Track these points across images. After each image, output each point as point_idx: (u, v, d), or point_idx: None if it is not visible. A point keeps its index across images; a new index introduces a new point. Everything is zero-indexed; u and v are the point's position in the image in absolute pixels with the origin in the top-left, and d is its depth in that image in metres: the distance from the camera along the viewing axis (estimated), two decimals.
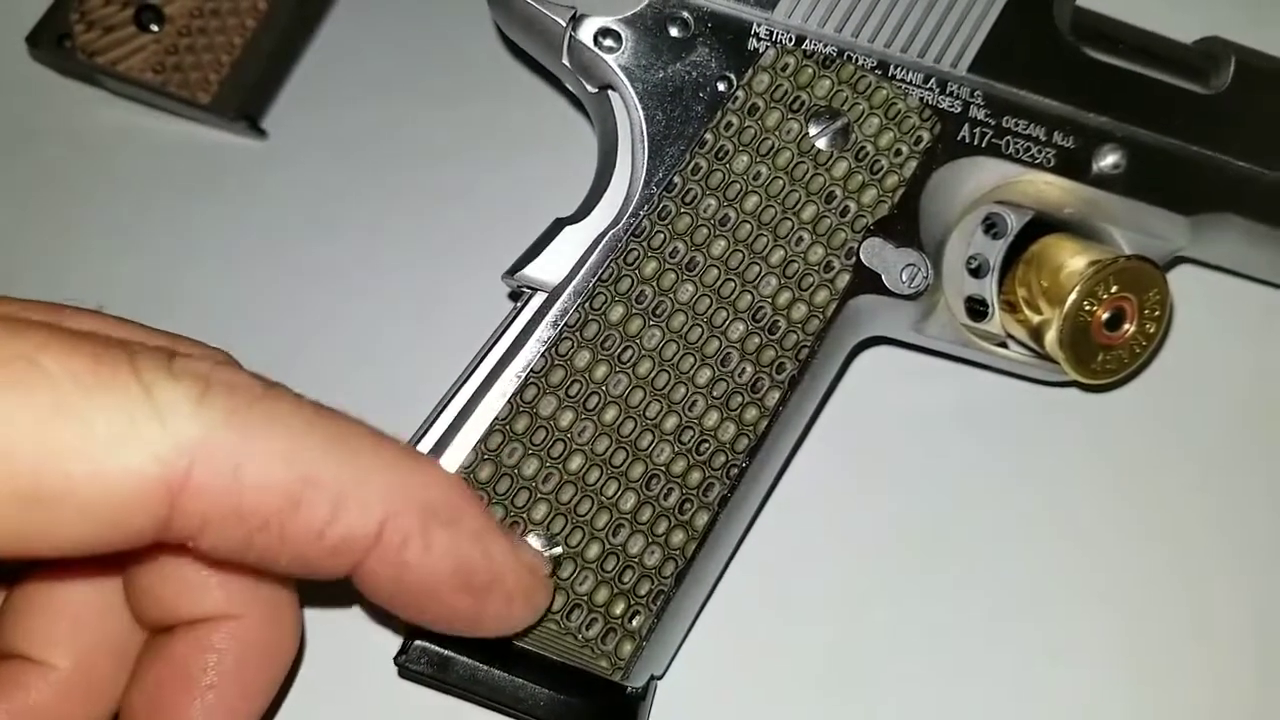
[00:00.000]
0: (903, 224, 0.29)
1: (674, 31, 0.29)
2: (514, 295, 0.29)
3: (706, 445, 0.27)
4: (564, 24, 0.28)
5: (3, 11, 0.42)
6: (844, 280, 0.28)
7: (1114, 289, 0.28)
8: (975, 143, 0.29)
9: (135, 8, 0.40)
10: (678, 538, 0.27)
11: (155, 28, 0.40)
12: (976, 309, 0.31)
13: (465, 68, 0.41)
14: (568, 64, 0.29)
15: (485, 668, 0.26)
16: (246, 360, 0.23)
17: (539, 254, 0.28)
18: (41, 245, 0.40)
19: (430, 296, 0.36)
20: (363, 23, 0.43)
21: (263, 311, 0.37)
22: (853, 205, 0.28)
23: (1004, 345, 0.31)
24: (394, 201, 0.39)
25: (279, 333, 0.36)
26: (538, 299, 0.28)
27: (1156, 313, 0.29)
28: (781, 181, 0.28)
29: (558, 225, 0.29)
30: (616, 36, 0.28)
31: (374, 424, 0.21)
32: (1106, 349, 0.29)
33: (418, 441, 0.27)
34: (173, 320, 0.25)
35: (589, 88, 0.29)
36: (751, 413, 0.27)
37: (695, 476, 0.27)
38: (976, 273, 0.31)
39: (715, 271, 0.28)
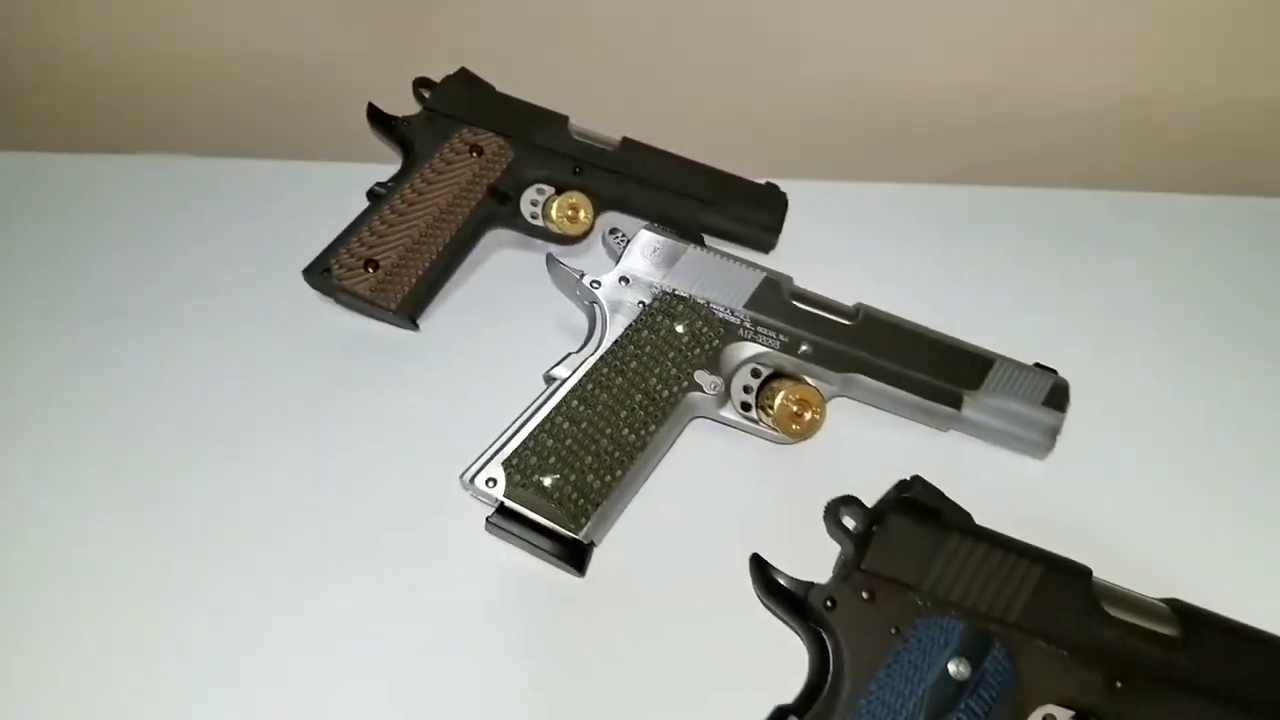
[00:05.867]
0: (712, 365, 0.69)
1: (621, 284, 0.70)
2: (547, 380, 0.68)
3: (624, 440, 0.65)
4: (577, 277, 0.70)
5: (282, 252, 0.84)
6: (685, 384, 0.67)
7: (796, 397, 0.68)
8: (744, 336, 0.70)
9: (364, 260, 0.82)
10: (604, 480, 0.64)
11: (373, 271, 0.82)
12: (747, 405, 0.70)
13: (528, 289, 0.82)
14: (578, 294, 0.70)
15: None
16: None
17: (561, 362, 0.68)
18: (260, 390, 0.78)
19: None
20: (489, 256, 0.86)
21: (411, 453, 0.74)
22: (690, 354, 0.68)
23: (756, 423, 0.70)
24: (491, 374, 0.78)
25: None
26: (559, 382, 0.67)
27: (818, 410, 0.68)
28: (664, 343, 0.68)
29: (566, 356, 0.68)
30: (597, 284, 0.70)
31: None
32: (799, 420, 0.68)
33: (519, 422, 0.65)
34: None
35: (585, 302, 0.70)
36: (642, 432, 0.65)
37: (617, 455, 0.65)
38: (747, 390, 0.70)
39: (633, 374, 0.67)
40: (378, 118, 0.88)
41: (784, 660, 0.56)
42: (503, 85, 0.89)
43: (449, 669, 0.60)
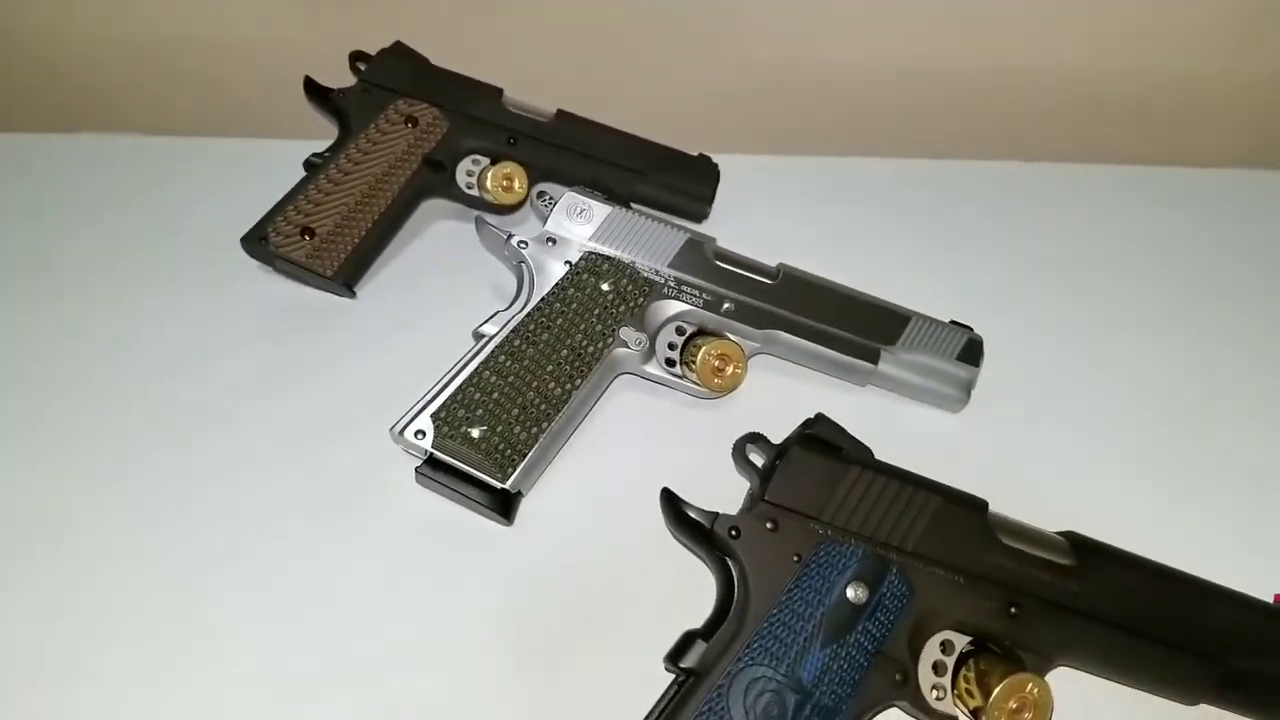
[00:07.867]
0: (637, 322, 0.71)
1: (548, 242, 0.72)
2: (476, 337, 0.70)
3: (550, 394, 0.67)
4: (505, 237, 0.72)
5: (220, 225, 0.85)
6: (610, 340, 0.70)
7: (718, 352, 0.70)
8: (668, 294, 0.72)
9: (300, 228, 0.83)
10: (530, 431, 0.66)
11: (309, 238, 0.83)
12: (671, 361, 0.73)
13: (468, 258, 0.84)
14: (506, 254, 0.72)
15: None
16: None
17: (490, 320, 0.69)
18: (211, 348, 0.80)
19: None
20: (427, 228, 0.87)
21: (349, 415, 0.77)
22: (615, 311, 0.71)
23: (680, 378, 0.72)
24: (421, 340, 0.80)
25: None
26: (487, 339, 0.69)
27: (740, 365, 0.71)
28: (590, 300, 0.70)
29: (494, 314, 0.70)
30: (524, 244, 0.72)
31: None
32: (720, 375, 0.71)
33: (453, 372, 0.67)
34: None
35: (513, 262, 0.72)
36: (568, 386, 0.68)
37: (543, 407, 0.67)
38: (671, 346, 0.73)
39: (559, 330, 0.69)
40: (315, 90, 0.89)
41: (699, 594, 0.58)
42: (438, 59, 0.90)
43: (380, 615, 0.62)
